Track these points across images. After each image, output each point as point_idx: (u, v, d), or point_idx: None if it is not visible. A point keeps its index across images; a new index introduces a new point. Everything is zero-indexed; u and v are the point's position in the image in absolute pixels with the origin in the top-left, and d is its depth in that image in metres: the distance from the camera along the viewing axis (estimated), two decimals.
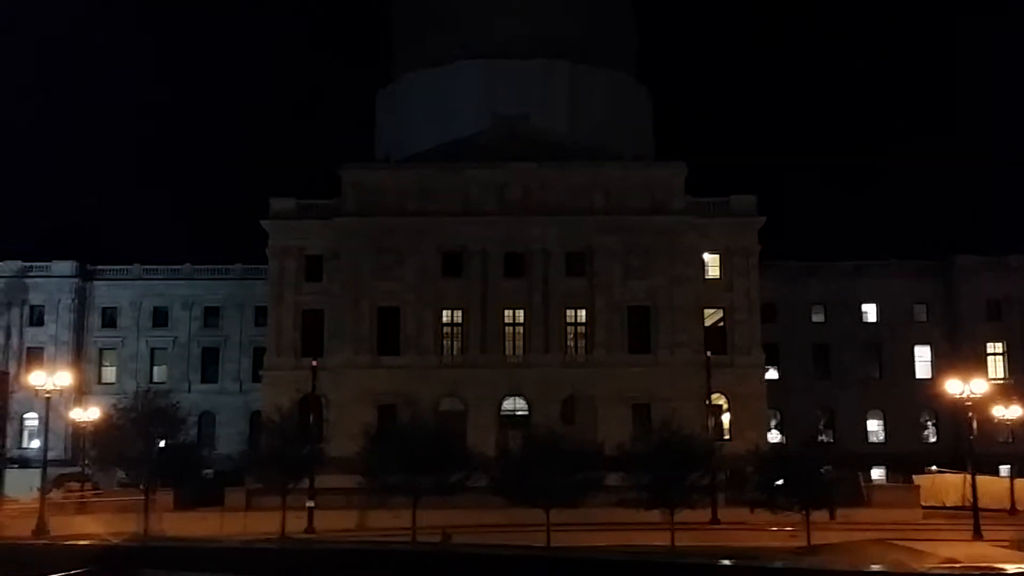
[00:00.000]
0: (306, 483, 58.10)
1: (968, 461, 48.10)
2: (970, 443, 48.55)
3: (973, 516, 46.47)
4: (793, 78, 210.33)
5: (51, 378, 57.57)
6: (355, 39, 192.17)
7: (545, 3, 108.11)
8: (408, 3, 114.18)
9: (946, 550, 40.45)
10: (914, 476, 77.91)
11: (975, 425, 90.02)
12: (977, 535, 45.93)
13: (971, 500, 63.02)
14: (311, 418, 59.44)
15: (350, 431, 67.47)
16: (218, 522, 57.76)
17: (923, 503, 66.78)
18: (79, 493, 64.39)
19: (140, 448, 55.07)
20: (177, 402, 60.12)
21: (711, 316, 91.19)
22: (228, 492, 63.07)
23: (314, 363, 64.05)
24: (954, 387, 46.23)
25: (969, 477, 67.95)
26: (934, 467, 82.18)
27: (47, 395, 57.12)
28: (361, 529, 58.53)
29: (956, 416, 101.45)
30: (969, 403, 46.88)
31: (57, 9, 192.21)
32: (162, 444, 55.95)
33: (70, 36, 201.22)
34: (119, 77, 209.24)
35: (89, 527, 51.82)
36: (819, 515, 49.57)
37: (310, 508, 57.21)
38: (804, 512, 47.09)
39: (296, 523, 57.12)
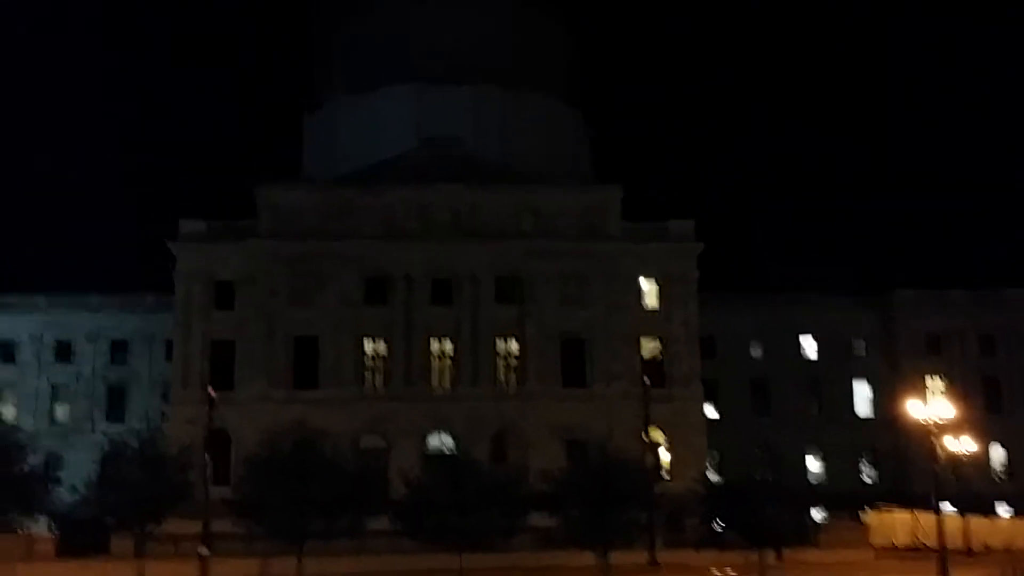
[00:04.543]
0: (175, 526, 51.55)
1: (933, 496, 44.11)
2: (936, 475, 44.61)
3: (940, 557, 42.27)
4: (733, 109, 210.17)
5: None
6: (281, 61, 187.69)
7: (478, 29, 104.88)
8: (338, 26, 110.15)
9: None
10: (861, 514, 74.22)
11: (915, 460, 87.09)
12: None
13: (923, 539, 59.55)
14: (206, 456, 53.13)
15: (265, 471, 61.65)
16: (99, 572, 51.23)
17: (872, 542, 63.12)
18: None
19: None
20: (14, 426, 52.46)
21: (648, 347, 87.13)
22: (115, 537, 56.46)
23: (212, 393, 57.97)
24: (916, 410, 42.29)
25: (920, 515, 64.72)
26: (881, 505, 78.57)
27: None
28: None
29: (897, 453, 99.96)
30: (935, 430, 42.97)
31: None
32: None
33: None
34: (31, 94, 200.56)
35: None
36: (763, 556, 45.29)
37: (203, 556, 50.98)
38: (756, 551, 42.68)
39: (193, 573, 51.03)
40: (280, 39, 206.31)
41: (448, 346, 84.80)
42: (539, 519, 47.90)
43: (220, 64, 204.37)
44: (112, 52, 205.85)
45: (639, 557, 52.17)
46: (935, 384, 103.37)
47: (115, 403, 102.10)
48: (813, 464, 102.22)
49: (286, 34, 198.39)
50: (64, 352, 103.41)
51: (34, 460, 48.66)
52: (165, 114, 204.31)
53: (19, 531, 53.65)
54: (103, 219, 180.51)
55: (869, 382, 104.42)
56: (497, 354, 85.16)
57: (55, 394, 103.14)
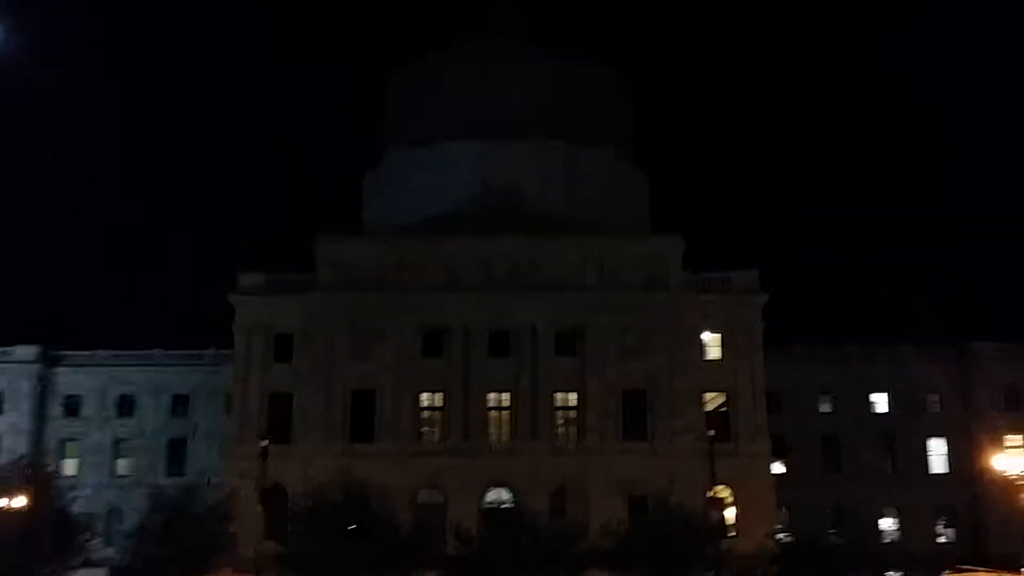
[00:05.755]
0: None
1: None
2: None
3: None
4: (794, 155, 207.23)
5: None
6: (343, 117, 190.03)
7: (540, 84, 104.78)
8: (401, 81, 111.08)
9: None
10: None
11: (993, 519, 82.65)
12: None
13: None
14: (262, 510, 52.34)
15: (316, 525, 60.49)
16: None
17: None
18: None
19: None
20: (50, 466, 51.51)
21: (712, 401, 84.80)
22: None
23: (264, 444, 57.28)
24: (1003, 464, 39.74)
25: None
26: (961, 566, 74.78)
27: None
28: None
29: (975, 512, 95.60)
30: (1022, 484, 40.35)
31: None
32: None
33: (40, 107, 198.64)
34: (91, 146, 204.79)
35: None
36: None
37: None
38: None
39: None
40: (340, 92, 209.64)
41: (506, 399, 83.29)
42: None
43: (279, 120, 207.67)
44: (169, 103, 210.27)
45: None
46: (1014, 441, 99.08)
47: (176, 457, 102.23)
48: (887, 523, 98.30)
49: (346, 87, 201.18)
50: (127, 406, 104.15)
51: (91, 510, 48.01)
52: (225, 168, 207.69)
53: None
54: (165, 275, 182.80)
55: (945, 438, 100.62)
56: (556, 407, 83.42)
57: (117, 448, 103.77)
